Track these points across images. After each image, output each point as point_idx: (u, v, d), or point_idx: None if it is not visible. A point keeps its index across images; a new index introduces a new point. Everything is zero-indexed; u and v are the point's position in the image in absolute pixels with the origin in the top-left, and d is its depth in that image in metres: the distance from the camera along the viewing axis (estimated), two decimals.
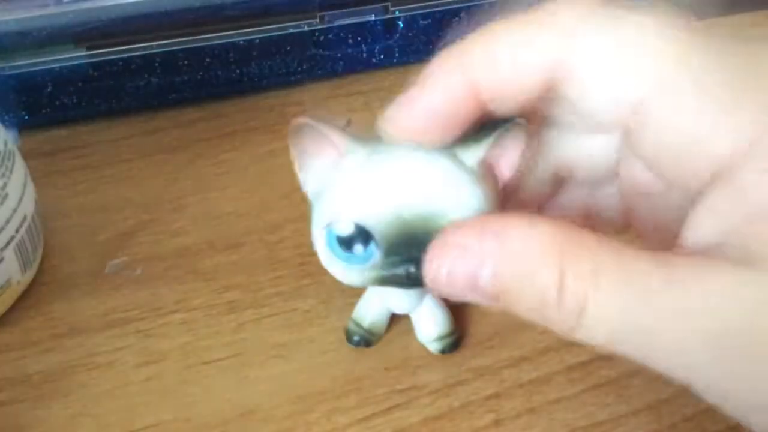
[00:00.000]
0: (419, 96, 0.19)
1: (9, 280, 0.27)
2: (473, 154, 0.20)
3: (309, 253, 0.31)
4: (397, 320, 0.28)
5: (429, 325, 0.27)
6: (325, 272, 0.30)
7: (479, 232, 0.18)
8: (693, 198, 0.18)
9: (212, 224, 0.32)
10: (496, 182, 0.21)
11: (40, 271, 0.30)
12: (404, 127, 0.19)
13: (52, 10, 0.33)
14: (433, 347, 0.27)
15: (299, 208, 0.33)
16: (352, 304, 0.29)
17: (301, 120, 0.20)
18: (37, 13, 0.33)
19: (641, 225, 0.21)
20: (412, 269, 0.19)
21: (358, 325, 0.27)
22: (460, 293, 0.18)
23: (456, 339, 0.27)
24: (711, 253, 0.17)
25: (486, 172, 0.21)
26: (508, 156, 0.21)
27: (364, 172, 0.20)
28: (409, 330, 0.28)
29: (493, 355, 0.27)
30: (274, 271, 0.30)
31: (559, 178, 0.23)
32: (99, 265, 0.30)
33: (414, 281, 0.20)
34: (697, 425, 0.25)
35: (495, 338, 0.28)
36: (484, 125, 0.20)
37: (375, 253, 0.20)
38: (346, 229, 0.20)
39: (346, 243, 0.20)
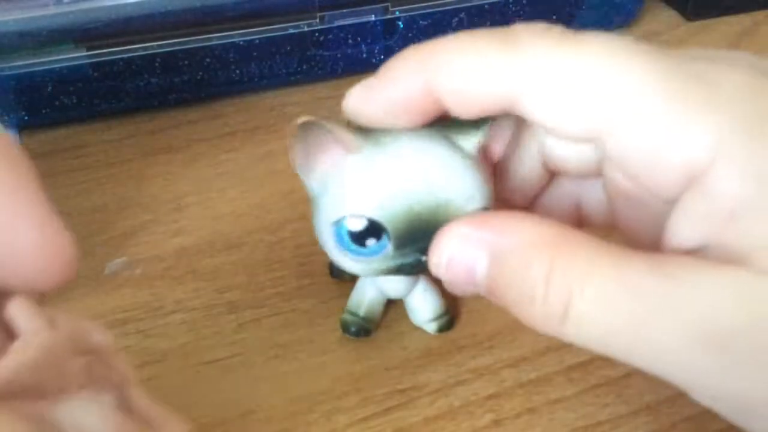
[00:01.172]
0: (380, 87, 0.20)
1: None
2: (472, 141, 0.21)
3: (309, 253, 0.31)
4: (396, 320, 0.28)
5: (423, 306, 0.27)
6: (325, 272, 0.30)
7: (480, 225, 0.19)
8: (671, 201, 0.18)
9: (212, 224, 0.32)
10: (489, 165, 0.22)
11: None
12: (363, 111, 0.20)
13: (52, 10, 0.33)
14: (430, 328, 0.28)
15: (299, 208, 0.33)
16: None
17: (306, 118, 0.20)
18: (37, 13, 0.33)
19: (625, 224, 0.22)
20: (423, 258, 0.20)
21: (353, 314, 0.27)
22: (459, 282, 0.19)
23: (450, 318, 0.28)
24: (696, 256, 0.17)
25: (481, 157, 0.21)
26: (497, 141, 0.22)
27: (372, 168, 0.20)
28: (409, 330, 0.28)
29: (493, 355, 0.27)
30: (274, 271, 0.30)
31: (548, 171, 0.23)
32: (99, 265, 0.30)
33: (421, 269, 0.21)
34: (697, 425, 0.25)
35: (495, 338, 0.28)
36: None
37: (387, 245, 0.20)
38: (359, 225, 0.20)
39: (359, 237, 0.20)
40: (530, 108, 0.19)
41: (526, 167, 0.23)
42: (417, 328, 0.28)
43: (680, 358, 0.17)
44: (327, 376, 0.27)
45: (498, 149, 0.22)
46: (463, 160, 0.20)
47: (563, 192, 0.23)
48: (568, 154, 0.22)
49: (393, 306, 0.28)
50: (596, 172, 0.21)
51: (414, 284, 0.27)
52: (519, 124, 0.22)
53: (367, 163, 0.20)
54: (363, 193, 0.20)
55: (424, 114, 0.20)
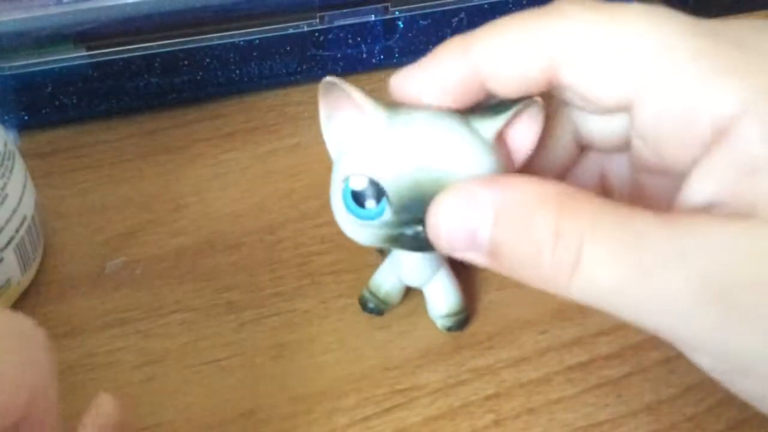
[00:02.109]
0: (424, 67, 0.21)
1: (9, 280, 0.27)
2: (489, 127, 0.21)
3: (309, 254, 0.31)
4: (396, 320, 0.28)
5: (439, 300, 0.27)
6: (325, 272, 0.30)
7: (483, 185, 0.18)
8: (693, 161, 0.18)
9: (212, 224, 0.32)
10: (509, 157, 0.22)
11: (40, 271, 0.30)
12: (406, 90, 0.21)
13: (52, 10, 0.33)
14: (441, 323, 0.28)
15: (299, 208, 0.33)
16: (352, 305, 0.29)
17: (329, 79, 0.21)
18: (37, 13, 0.33)
19: (649, 199, 0.22)
20: (420, 229, 0.20)
21: (373, 294, 0.28)
22: (459, 246, 0.19)
23: (464, 318, 0.28)
24: (708, 212, 0.17)
25: (500, 145, 0.21)
26: (523, 133, 0.21)
27: (383, 131, 0.21)
28: (409, 330, 0.28)
29: (493, 355, 0.27)
30: (274, 271, 0.30)
31: (579, 147, 0.23)
32: (99, 265, 0.30)
33: (421, 243, 0.20)
34: (697, 425, 0.25)
35: (495, 338, 0.28)
36: (503, 100, 0.21)
37: (386, 209, 0.20)
38: (361, 184, 0.21)
39: (360, 198, 0.21)
40: (567, 76, 0.19)
41: (559, 143, 0.23)
42: (417, 329, 0.28)
43: (686, 310, 0.17)
44: (327, 376, 0.27)
45: (525, 141, 0.22)
46: (478, 142, 0.20)
47: (590, 166, 0.24)
48: (598, 127, 0.22)
49: (394, 306, 0.28)
50: (623, 147, 0.21)
51: (433, 275, 0.27)
52: (552, 104, 0.22)
53: (380, 126, 0.21)
54: (368, 153, 0.21)
55: (465, 95, 0.20)
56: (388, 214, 0.21)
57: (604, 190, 0.24)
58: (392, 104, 0.21)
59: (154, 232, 0.32)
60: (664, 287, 0.16)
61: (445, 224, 0.19)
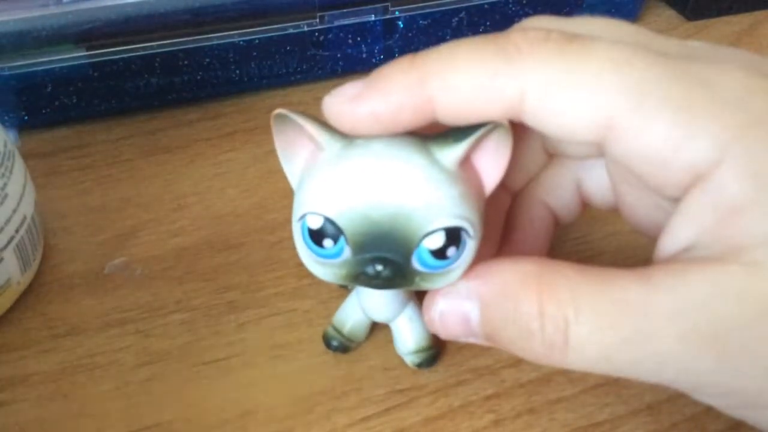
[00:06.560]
0: (369, 97, 0.19)
1: (9, 280, 0.27)
2: (450, 154, 0.19)
3: None
4: None
5: (407, 337, 0.26)
6: None
7: (466, 276, 0.20)
8: (675, 198, 0.18)
9: (212, 224, 0.32)
10: (478, 183, 0.21)
11: (40, 271, 0.30)
12: (346, 120, 0.19)
13: (52, 10, 0.33)
14: (410, 360, 0.26)
15: None
16: None
17: (281, 111, 0.20)
18: (37, 13, 0.33)
19: (628, 208, 0.22)
20: (380, 268, 0.19)
21: (337, 330, 0.27)
22: (457, 334, 0.20)
23: (434, 354, 0.26)
24: (685, 257, 0.18)
25: (465, 173, 0.20)
26: (491, 158, 0.20)
27: (337, 167, 0.20)
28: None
29: (493, 355, 0.27)
30: (274, 271, 0.30)
31: (547, 153, 0.23)
32: (99, 265, 0.30)
33: (383, 281, 0.20)
34: (697, 425, 0.25)
35: None
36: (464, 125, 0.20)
37: (345, 249, 0.20)
38: (317, 223, 0.20)
39: (318, 237, 0.20)
40: (534, 120, 0.18)
41: (523, 150, 0.22)
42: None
43: (680, 363, 0.17)
44: (327, 376, 0.27)
45: (495, 166, 0.21)
46: (437, 173, 0.19)
47: (564, 173, 0.24)
48: (568, 147, 0.22)
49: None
50: (597, 154, 0.21)
51: (399, 312, 0.26)
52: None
53: (334, 161, 0.20)
54: (323, 191, 0.20)
55: (410, 127, 0.19)
56: (347, 254, 0.20)
57: (582, 198, 0.24)
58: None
59: (154, 232, 0.32)
60: (656, 349, 0.17)
61: (438, 320, 0.20)
